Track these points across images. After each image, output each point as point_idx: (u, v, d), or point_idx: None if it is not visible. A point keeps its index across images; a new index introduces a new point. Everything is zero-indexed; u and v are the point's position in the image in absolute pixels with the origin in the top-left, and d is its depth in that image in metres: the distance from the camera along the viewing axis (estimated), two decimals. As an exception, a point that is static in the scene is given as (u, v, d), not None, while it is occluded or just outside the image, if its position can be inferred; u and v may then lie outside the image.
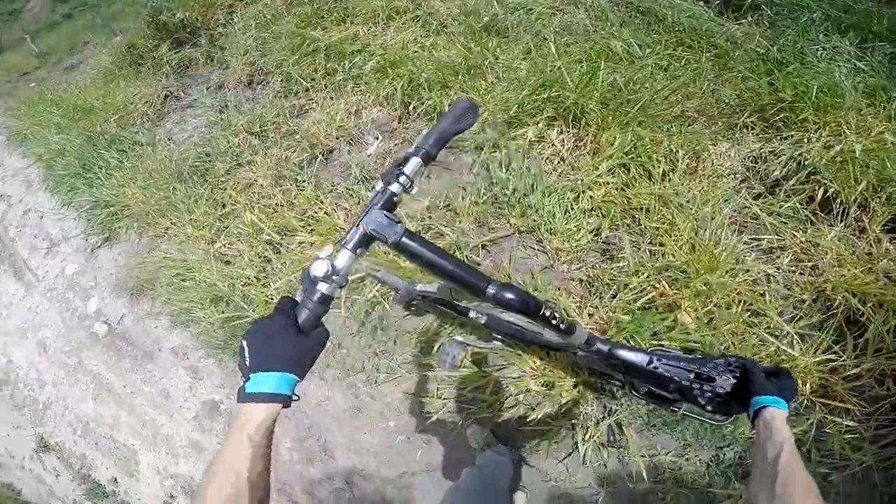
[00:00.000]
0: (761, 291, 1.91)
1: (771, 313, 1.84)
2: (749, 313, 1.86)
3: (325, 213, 2.56)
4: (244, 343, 0.68)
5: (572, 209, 2.35)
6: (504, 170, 2.56)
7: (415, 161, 0.80)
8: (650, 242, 2.17)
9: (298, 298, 0.71)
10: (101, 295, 3.30)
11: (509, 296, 0.77)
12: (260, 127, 3.29)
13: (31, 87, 8.79)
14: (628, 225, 2.28)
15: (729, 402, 0.96)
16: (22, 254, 4.05)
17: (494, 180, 2.54)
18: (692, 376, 0.99)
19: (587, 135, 2.55)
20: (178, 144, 3.62)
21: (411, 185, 0.78)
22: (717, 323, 1.84)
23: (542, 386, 1.92)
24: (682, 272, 1.97)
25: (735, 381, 0.94)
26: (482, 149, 2.69)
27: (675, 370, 1.01)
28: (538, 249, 2.37)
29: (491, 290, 0.76)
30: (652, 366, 1.04)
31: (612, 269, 2.14)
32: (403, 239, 0.72)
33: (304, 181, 2.86)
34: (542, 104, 2.67)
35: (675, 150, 2.40)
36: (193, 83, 4.43)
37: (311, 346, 0.70)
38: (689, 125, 2.53)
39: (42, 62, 12.97)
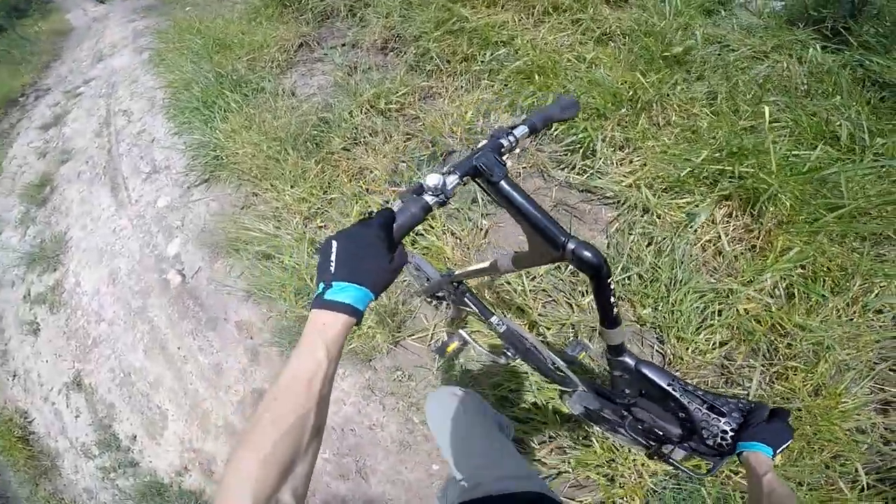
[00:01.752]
0: (858, 440, 1.63)
1: (857, 463, 1.58)
2: (833, 457, 1.61)
3: (435, 235, 2.19)
4: (335, 245, 0.62)
5: (711, 319, 1.83)
6: (647, 244, 2.05)
7: (523, 128, 0.88)
8: (777, 374, 1.76)
9: (396, 208, 0.71)
10: (185, 239, 3.10)
11: (588, 253, 0.76)
12: (385, 104, 2.93)
13: (186, 11, 9.10)
14: (765, 351, 1.79)
15: (729, 444, 0.91)
16: (124, 171, 4.00)
17: (632, 253, 2.04)
18: (705, 407, 0.95)
19: (760, 228, 1.97)
20: (300, 101, 3.34)
21: (516, 145, 0.85)
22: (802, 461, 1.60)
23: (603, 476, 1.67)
24: (796, 410, 1.67)
25: (738, 425, 0.91)
26: (628, 205, 2.17)
27: (691, 397, 0.97)
28: (657, 349, 1.89)
29: (571, 245, 0.76)
30: (671, 387, 0.98)
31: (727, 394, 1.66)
32: (503, 182, 0.77)
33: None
34: (718, 175, 2.09)
35: (851, 275, 1.82)
36: (330, 35, 4.14)
37: (395, 268, 0.65)
38: (879, 246, 1.90)
39: None
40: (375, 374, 2.16)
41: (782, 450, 0.83)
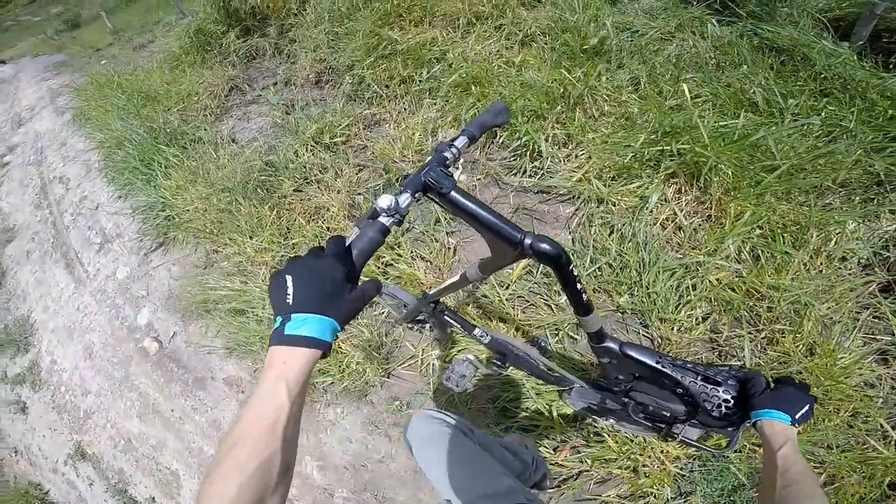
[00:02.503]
0: (871, 395, 1.64)
1: (880, 419, 1.59)
2: (852, 415, 1.63)
3: (405, 262, 2.18)
4: (287, 277, 0.58)
5: (687, 294, 1.92)
6: (609, 233, 2.13)
7: (462, 139, 0.92)
8: (766, 339, 1.81)
9: (354, 235, 0.70)
10: (153, 307, 2.99)
11: (544, 245, 0.78)
12: (330, 138, 2.89)
13: (102, 65, 8.61)
14: (748, 318, 1.86)
15: (734, 413, 0.91)
16: (74, 246, 3.79)
17: (596, 244, 2.11)
18: (699, 379, 0.96)
19: (710, 199, 2.09)
20: (241, 147, 3.25)
21: (459, 155, 0.89)
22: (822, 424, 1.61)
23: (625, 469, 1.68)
24: (797, 374, 1.68)
25: (736, 393, 0.91)
26: (583, 198, 2.25)
27: (683, 371, 0.98)
28: (643, 334, 1.96)
29: (528, 241, 0.78)
30: (660, 364, 0.99)
31: (718, 364, 1.74)
32: (453, 192, 0.78)
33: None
34: (659, 155, 2.20)
35: (806, 227, 1.94)
36: (259, 76, 4.05)
37: (359, 295, 0.62)
38: (823, 197, 2.04)
39: (115, 39, 12.84)
40: (374, 408, 2.14)
41: (804, 417, 0.78)
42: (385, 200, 0.73)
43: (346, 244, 0.66)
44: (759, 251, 1.92)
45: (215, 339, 2.59)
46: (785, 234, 1.93)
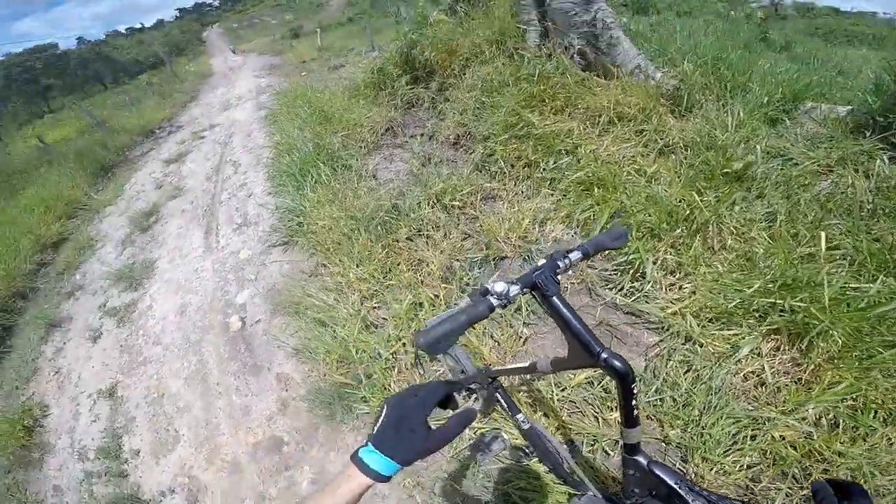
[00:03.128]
0: None
1: None
2: None
3: (476, 335, 2.31)
4: (385, 409, 0.74)
5: (743, 443, 1.75)
6: (685, 370, 2.02)
7: (577, 253, 1.00)
8: (804, 497, 1.62)
9: (464, 303, 0.86)
10: (254, 292, 3.34)
11: (617, 363, 0.85)
12: (450, 200, 3.15)
13: (302, 76, 10.37)
14: (796, 475, 1.66)
15: None
16: (219, 219, 4.52)
17: (667, 378, 2.01)
18: None
19: (808, 363, 1.87)
20: (379, 184, 3.70)
21: (570, 267, 0.98)
22: None
23: None
24: None
25: None
26: (671, 332, 2.16)
27: (699, 498, 0.92)
28: (678, 467, 1.81)
29: (604, 355, 0.85)
30: (677, 485, 0.95)
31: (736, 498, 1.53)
32: (555, 297, 0.90)
33: (468, 286, 2.61)
34: (769, 308, 2.03)
35: None
36: (412, 123, 4.58)
37: (429, 448, 0.72)
38: None
39: (318, 56, 15.37)
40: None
41: None
42: (500, 286, 0.88)
43: (444, 392, 0.78)
44: (841, 420, 1.69)
45: (290, 338, 2.83)
46: (880, 410, 1.69)
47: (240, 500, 2.22)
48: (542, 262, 0.97)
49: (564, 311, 0.89)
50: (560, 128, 3.35)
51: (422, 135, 4.27)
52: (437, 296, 2.56)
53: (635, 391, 0.91)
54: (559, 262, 0.97)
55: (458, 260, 2.74)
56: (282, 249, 3.66)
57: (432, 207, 3.14)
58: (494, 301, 0.88)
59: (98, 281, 4.44)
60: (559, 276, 0.94)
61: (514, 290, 0.90)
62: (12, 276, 4.75)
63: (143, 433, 2.80)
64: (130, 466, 2.66)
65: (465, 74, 4.29)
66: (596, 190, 2.82)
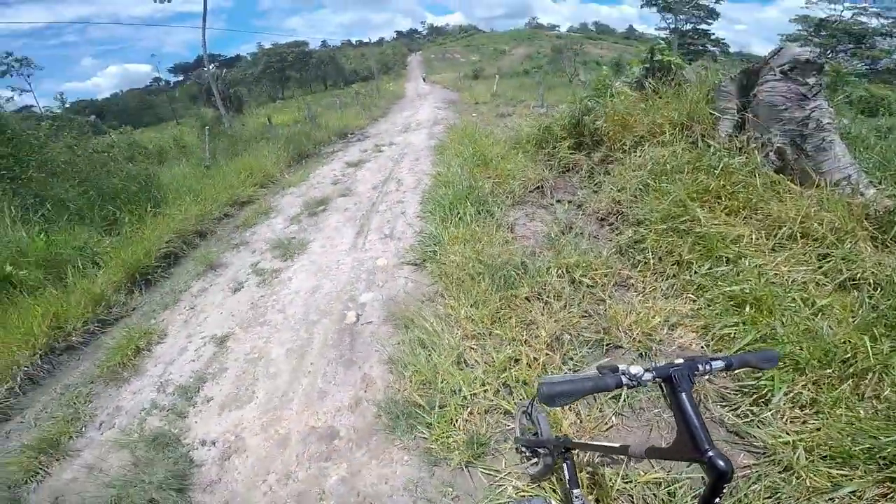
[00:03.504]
0: None
1: None
2: None
3: (564, 407, 2.20)
4: None
5: None
6: (767, 496, 1.71)
7: (720, 363, 0.98)
8: None
9: (591, 372, 0.90)
10: (376, 296, 3.56)
11: (722, 463, 0.83)
12: (580, 275, 3.09)
13: (473, 117, 11.27)
14: None
15: None
16: (371, 225, 5.05)
17: (745, 500, 1.71)
18: None
19: None
20: (515, 238, 3.83)
21: (708, 374, 0.96)
22: None
23: None
24: None
25: None
26: (772, 462, 1.83)
27: None
28: None
29: (711, 452, 0.84)
30: None
31: None
32: (684, 394, 0.90)
33: (571, 360, 2.53)
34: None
35: None
36: (563, 188, 4.63)
37: None
38: None
39: (490, 100, 16.56)
40: (431, 476, 2.13)
41: None
42: (636, 369, 0.93)
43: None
44: None
45: (389, 346, 2.95)
46: None
47: (266, 471, 2.32)
48: (679, 360, 0.97)
49: (689, 407, 0.90)
50: (728, 231, 3.06)
51: (570, 202, 4.29)
52: (536, 359, 2.53)
53: (724, 492, 0.89)
54: (699, 366, 0.96)
55: (570, 333, 2.67)
56: (412, 268, 3.93)
57: (559, 276, 3.12)
58: (624, 379, 0.92)
59: (260, 243, 5.09)
60: (695, 378, 0.94)
61: (648, 376, 0.93)
62: (203, 216, 5.81)
63: (225, 385, 2.95)
64: (194, 410, 2.79)
65: (635, 152, 4.22)
66: (748, 309, 2.51)
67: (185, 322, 3.78)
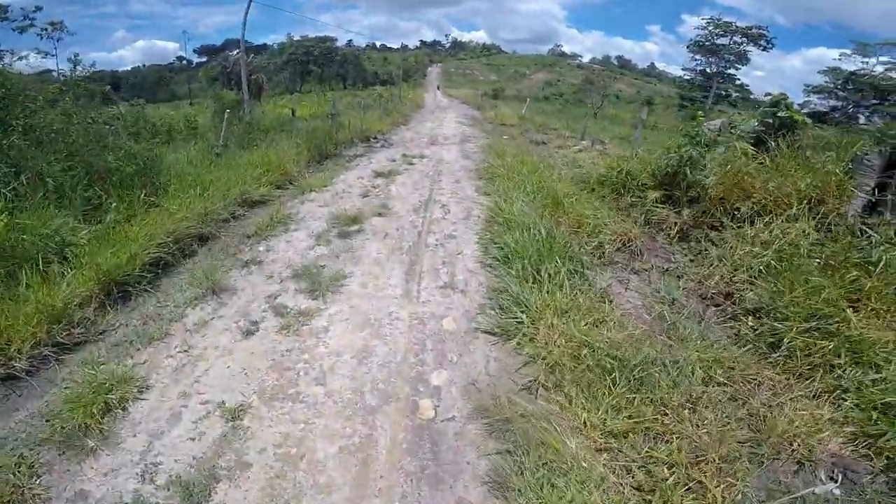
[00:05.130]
0: None
1: None
2: None
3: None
4: None
5: None
6: None
7: None
8: None
9: None
10: (452, 378, 2.72)
11: None
12: (712, 371, 2.49)
13: (504, 139, 10.50)
14: None
15: None
16: (423, 265, 4.10)
17: None
18: None
19: None
20: (612, 308, 3.10)
21: None
22: None
23: None
24: None
25: None
26: None
27: None
28: None
29: None
30: None
31: None
32: None
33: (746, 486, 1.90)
34: None
35: None
36: (655, 250, 3.94)
37: None
38: None
39: (517, 124, 15.95)
40: None
41: None
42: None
43: None
44: None
45: (486, 459, 2.18)
46: None
47: None
48: None
49: None
50: (886, 336, 2.63)
51: (665, 271, 3.54)
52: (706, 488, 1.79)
53: None
54: None
55: (735, 451, 2.05)
56: (491, 340, 3.04)
57: (707, 384, 2.45)
58: None
59: (279, 265, 4.03)
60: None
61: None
62: (207, 215, 4.78)
63: (252, 495, 2.04)
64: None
65: (753, 223, 3.50)
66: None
67: (177, 370, 2.75)
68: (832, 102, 35.86)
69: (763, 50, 38.19)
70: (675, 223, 4.08)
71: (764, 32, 37.31)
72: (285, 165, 7.00)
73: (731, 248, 3.46)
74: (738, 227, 3.60)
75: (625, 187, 4.68)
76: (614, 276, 3.59)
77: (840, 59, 34.67)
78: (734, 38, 37.48)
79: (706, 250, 3.61)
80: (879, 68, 32.61)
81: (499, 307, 3.25)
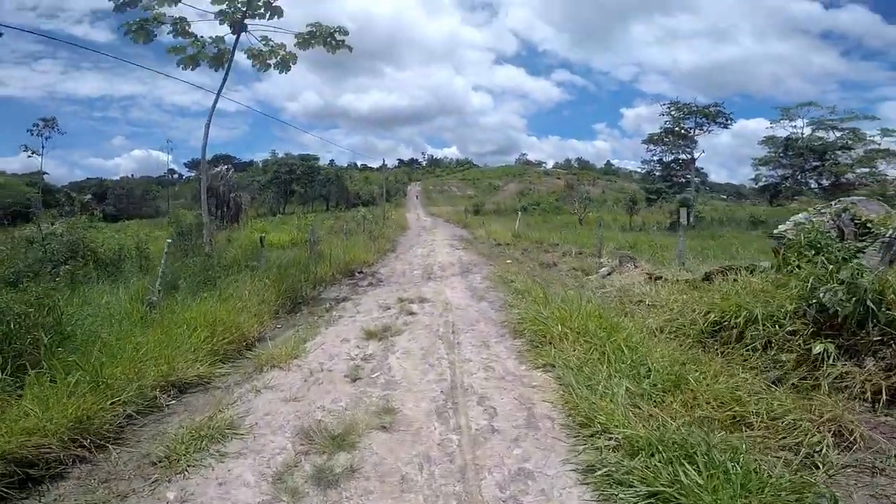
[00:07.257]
0: None
1: None
2: None
3: None
4: None
5: None
6: None
7: None
8: None
9: None
10: None
11: None
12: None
13: (508, 263, 9.20)
14: None
15: None
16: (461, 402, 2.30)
17: None
18: None
19: None
20: None
21: None
22: None
23: None
24: None
25: None
26: None
27: None
28: None
29: None
30: None
31: None
32: None
33: None
34: None
35: None
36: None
37: None
38: None
39: (514, 241, 14.92)
40: None
41: None
42: None
43: None
44: None
45: None
46: None
47: None
48: None
49: None
50: None
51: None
52: None
53: None
54: None
55: None
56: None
57: None
58: None
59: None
60: None
61: None
62: (92, 418, 2.90)
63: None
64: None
65: None
66: None
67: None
68: (780, 172, 36.43)
69: (724, 127, 38.67)
70: (869, 381, 2.42)
71: (722, 109, 37.57)
72: (241, 324, 5.21)
73: None
74: None
75: (729, 326, 3.08)
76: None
77: (772, 128, 35.62)
78: (696, 118, 37.46)
79: None
80: (808, 130, 33.78)
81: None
